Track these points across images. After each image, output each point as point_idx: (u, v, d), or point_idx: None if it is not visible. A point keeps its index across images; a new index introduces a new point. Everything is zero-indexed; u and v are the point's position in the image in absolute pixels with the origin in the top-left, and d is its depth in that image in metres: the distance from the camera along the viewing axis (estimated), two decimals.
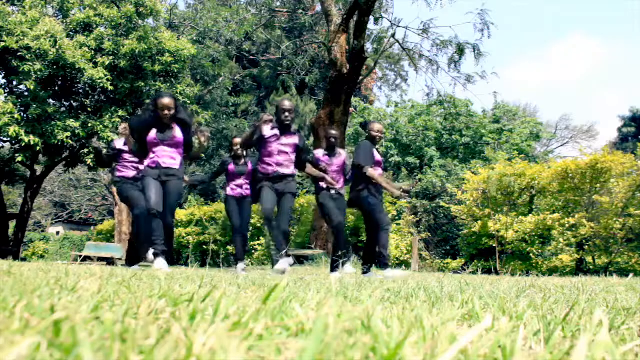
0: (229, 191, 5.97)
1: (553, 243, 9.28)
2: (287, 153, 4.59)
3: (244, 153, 5.95)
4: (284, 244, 4.43)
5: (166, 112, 4.28)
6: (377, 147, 4.97)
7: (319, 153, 5.22)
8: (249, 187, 5.82)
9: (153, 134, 4.37)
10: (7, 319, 0.64)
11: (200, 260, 13.88)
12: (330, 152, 5.22)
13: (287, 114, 4.55)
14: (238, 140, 5.89)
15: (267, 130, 4.56)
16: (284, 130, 4.59)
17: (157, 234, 4.26)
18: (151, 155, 4.40)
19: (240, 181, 5.91)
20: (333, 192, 5.07)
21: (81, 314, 0.75)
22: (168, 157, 4.39)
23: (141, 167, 4.60)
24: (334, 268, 4.81)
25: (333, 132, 5.30)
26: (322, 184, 5.06)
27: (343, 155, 5.24)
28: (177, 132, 4.45)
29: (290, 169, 4.63)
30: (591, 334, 0.70)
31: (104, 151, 5.71)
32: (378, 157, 4.86)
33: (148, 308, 0.81)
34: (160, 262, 4.16)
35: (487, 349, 0.60)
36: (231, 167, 5.90)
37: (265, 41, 22.39)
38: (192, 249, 14.20)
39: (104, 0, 11.55)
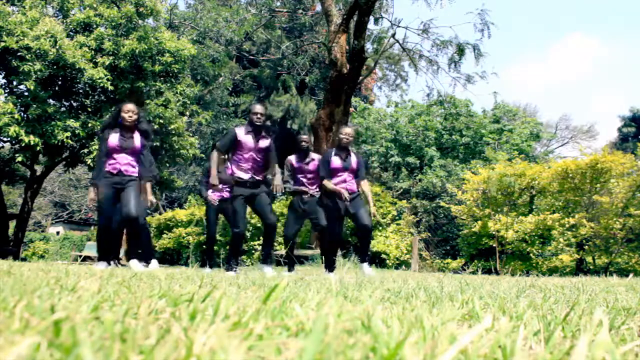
0: (225, 194, 6.22)
1: (553, 243, 9.28)
2: (260, 159, 4.81)
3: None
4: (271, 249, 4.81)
5: (130, 114, 4.63)
6: (348, 150, 5.18)
7: (292, 159, 5.50)
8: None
9: (115, 140, 4.65)
10: (7, 319, 0.64)
11: (200, 260, 13.87)
12: (302, 157, 5.47)
13: (258, 115, 4.78)
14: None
15: (242, 134, 4.77)
16: (257, 133, 4.79)
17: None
18: (111, 160, 4.66)
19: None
20: (305, 196, 5.36)
21: (81, 314, 0.75)
22: (129, 164, 4.68)
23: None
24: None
25: (303, 136, 5.56)
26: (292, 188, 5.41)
27: (316, 160, 5.45)
28: (137, 141, 4.73)
29: (261, 175, 4.84)
30: (591, 334, 0.70)
31: None
32: (335, 163, 5.08)
33: (148, 308, 0.81)
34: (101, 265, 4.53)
35: (487, 349, 0.60)
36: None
37: (265, 41, 22.39)
38: (192, 249, 14.20)
39: (104, 0, 11.55)
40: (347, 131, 5.14)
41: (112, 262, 5.12)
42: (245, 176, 4.73)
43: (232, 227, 4.75)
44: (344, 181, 5.09)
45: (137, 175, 4.71)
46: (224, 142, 4.79)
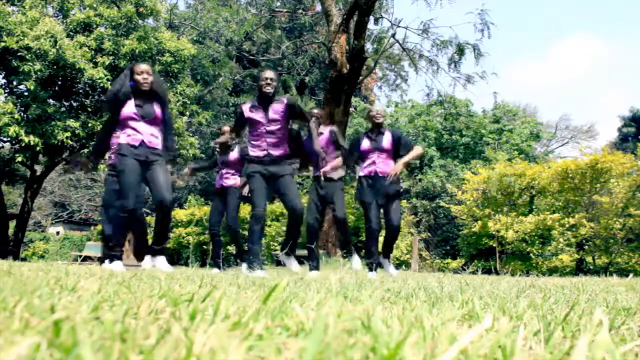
0: (216, 184, 5.95)
1: (553, 243, 9.29)
2: (277, 130, 4.26)
3: (232, 142, 5.81)
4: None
5: (144, 75, 3.89)
6: (380, 130, 4.70)
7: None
8: (230, 176, 5.72)
9: (132, 108, 3.88)
10: (7, 319, 0.64)
11: (200, 260, 13.87)
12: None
13: (268, 81, 4.19)
14: (227, 128, 5.90)
15: (247, 111, 4.28)
16: (267, 103, 4.22)
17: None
18: (129, 131, 3.89)
19: (222, 171, 5.83)
20: (322, 179, 4.81)
21: (81, 314, 0.75)
22: (150, 134, 3.95)
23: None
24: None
25: (315, 111, 5.00)
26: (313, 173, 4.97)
27: (326, 132, 4.96)
28: (157, 108, 4.00)
29: (283, 149, 4.33)
30: (591, 334, 0.70)
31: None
32: (366, 145, 4.67)
33: (148, 308, 0.81)
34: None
35: (487, 349, 0.60)
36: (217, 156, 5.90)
37: (265, 41, 22.38)
38: (192, 249, 14.20)
39: (104, 0, 11.55)
40: (377, 109, 4.75)
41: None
42: (261, 153, 4.26)
43: (252, 208, 4.19)
44: (373, 163, 4.69)
45: (160, 148, 3.99)
46: (234, 124, 4.40)
